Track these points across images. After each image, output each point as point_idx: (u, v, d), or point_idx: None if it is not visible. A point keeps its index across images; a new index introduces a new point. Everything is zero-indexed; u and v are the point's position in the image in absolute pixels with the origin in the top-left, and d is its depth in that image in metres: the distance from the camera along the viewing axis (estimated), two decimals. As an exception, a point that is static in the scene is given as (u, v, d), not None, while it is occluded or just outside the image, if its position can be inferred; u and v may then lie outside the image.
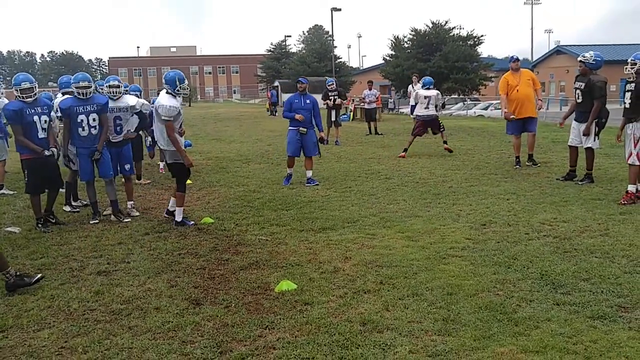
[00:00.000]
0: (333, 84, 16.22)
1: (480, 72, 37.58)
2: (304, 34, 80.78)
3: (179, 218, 6.72)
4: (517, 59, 10.20)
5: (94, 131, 6.86)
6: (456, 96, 38.18)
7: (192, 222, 6.77)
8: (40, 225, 6.63)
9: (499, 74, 22.32)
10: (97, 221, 6.96)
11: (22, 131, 6.43)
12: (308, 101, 9.17)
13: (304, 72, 45.42)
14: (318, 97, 11.51)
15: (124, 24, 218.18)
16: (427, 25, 38.24)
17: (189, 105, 43.72)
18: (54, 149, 6.75)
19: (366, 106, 18.98)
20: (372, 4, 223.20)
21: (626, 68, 7.17)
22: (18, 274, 4.71)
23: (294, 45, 71.72)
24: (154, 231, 6.50)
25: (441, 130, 12.20)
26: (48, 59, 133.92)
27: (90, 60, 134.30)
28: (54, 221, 6.85)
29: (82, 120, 6.77)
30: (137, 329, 3.90)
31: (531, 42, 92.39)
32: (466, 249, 5.44)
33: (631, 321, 3.76)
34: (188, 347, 3.62)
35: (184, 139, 8.94)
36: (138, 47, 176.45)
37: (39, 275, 4.75)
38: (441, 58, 35.44)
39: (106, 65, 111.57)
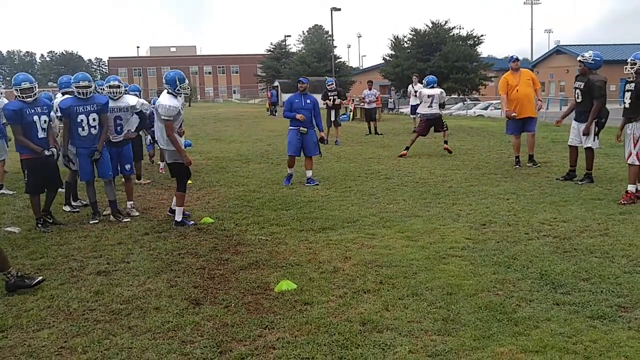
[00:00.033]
0: (332, 83, 16.22)
1: (480, 72, 37.58)
2: (303, 33, 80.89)
3: (178, 218, 6.72)
4: (517, 59, 10.20)
5: (93, 131, 6.87)
6: (456, 96, 38.17)
7: (192, 222, 6.77)
8: (40, 225, 6.64)
9: (499, 74, 22.34)
10: (96, 221, 6.96)
11: (22, 131, 6.42)
12: (308, 101, 9.17)
13: (303, 72, 45.43)
14: (318, 97, 11.50)
15: (123, 24, 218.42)
16: (427, 25, 38.28)
17: (189, 105, 43.69)
18: (54, 149, 6.75)
19: (366, 106, 18.98)
20: (372, 4, 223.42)
21: (626, 68, 7.17)
22: (19, 275, 4.71)
23: (294, 45, 71.84)
24: (154, 231, 6.50)
25: (444, 129, 12.23)
26: (48, 58, 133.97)
27: (90, 60, 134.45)
28: (51, 221, 6.84)
29: (82, 120, 6.77)
30: (137, 329, 3.90)
31: (531, 42, 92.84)
32: (466, 248, 5.44)
33: (631, 321, 3.76)
34: (188, 347, 3.62)
35: (184, 138, 8.94)
36: (138, 47, 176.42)
37: (40, 278, 4.74)
38: (441, 58, 35.44)
39: (106, 65, 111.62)
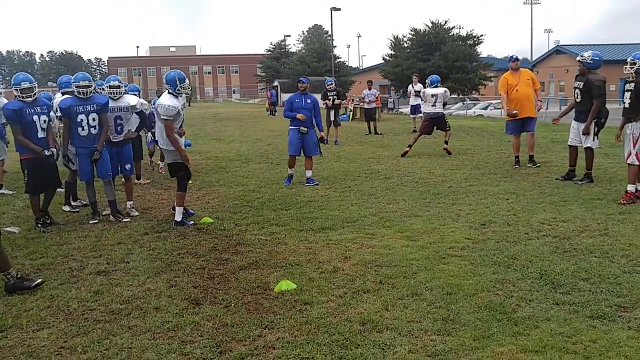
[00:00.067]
0: (332, 83, 16.22)
1: (480, 71, 37.63)
2: (303, 33, 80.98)
3: (178, 218, 6.72)
4: (517, 59, 10.20)
5: (93, 131, 6.86)
6: (456, 96, 38.16)
7: (192, 222, 6.77)
8: (39, 225, 6.63)
9: (499, 74, 22.32)
10: (96, 221, 6.96)
11: (22, 131, 6.43)
12: (309, 101, 9.17)
13: (303, 71, 45.42)
14: (318, 97, 11.50)
15: (123, 24, 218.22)
16: (426, 25, 38.34)
17: (189, 105, 43.64)
18: (54, 149, 6.75)
19: (366, 106, 18.99)
20: (372, 4, 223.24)
21: (625, 68, 7.17)
22: (19, 276, 4.71)
23: (294, 45, 71.86)
24: (154, 231, 6.50)
25: (446, 129, 12.25)
26: (47, 58, 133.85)
27: (89, 60, 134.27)
28: (48, 221, 6.82)
29: (81, 120, 6.77)
30: (137, 329, 3.90)
31: (531, 42, 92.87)
32: (466, 248, 5.44)
33: (630, 321, 3.76)
34: (187, 347, 3.62)
35: (184, 138, 8.94)
36: (137, 47, 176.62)
37: (39, 280, 4.73)
38: (441, 58, 35.47)
39: (105, 65, 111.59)
